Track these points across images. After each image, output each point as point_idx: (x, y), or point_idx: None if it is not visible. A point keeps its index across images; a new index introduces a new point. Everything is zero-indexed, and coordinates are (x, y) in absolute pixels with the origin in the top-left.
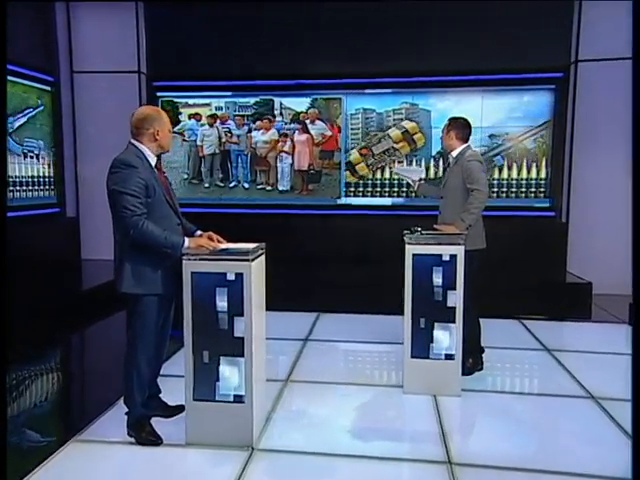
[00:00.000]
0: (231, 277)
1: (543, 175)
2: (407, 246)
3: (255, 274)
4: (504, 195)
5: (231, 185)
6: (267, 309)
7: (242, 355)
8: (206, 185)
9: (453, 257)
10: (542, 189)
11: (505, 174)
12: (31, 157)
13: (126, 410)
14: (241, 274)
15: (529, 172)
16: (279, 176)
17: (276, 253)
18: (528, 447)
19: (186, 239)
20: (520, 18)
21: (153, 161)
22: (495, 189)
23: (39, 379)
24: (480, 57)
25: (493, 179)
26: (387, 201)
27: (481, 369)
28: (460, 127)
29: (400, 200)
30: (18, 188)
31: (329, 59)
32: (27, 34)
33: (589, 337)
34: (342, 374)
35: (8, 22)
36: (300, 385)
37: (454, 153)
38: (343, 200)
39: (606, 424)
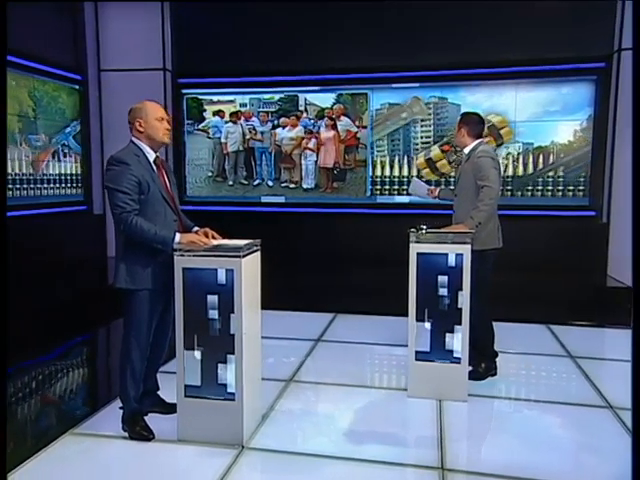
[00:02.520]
0: (222, 273)
1: (582, 172)
2: (411, 245)
3: (247, 271)
4: (539, 194)
5: (255, 183)
6: (284, 309)
7: (233, 352)
8: (230, 183)
9: (459, 256)
10: (581, 187)
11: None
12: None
13: (121, 405)
14: (232, 270)
15: (567, 169)
16: (303, 174)
17: (298, 251)
18: (530, 456)
19: (177, 234)
20: (557, 4)
21: (151, 157)
22: (530, 187)
23: (52, 372)
24: (514, 47)
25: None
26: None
27: (494, 374)
28: (472, 123)
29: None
30: (46, 185)
31: (354, 53)
32: (56, 34)
33: (621, 344)
34: (348, 375)
35: (39, 22)
36: (303, 385)
37: (466, 150)
38: (380, 199)
39: (619, 435)
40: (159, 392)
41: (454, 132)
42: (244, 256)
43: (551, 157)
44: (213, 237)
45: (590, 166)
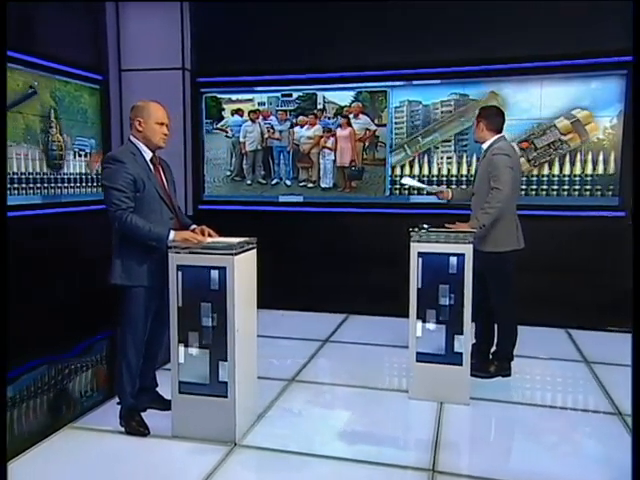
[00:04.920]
0: (215, 271)
1: (612, 170)
2: (412, 244)
3: (240, 268)
4: (565, 193)
5: (273, 182)
6: (298, 309)
7: (226, 350)
8: (248, 182)
9: (461, 256)
10: (611, 186)
11: (567, 169)
12: (79, 155)
13: (118, 400)
14: (224, 268)
15: (595, 167)
16: (321, 173)
17: (316, 251)
18: (527, 461)
19: (172, 232)
20: None
21: (148, 156)
22: (556, 186)
23: (63, 368)
24: (539, 41)
25: (563, 175)
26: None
27: (508, 375)
28: (490, 117)
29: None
30: (66, 185)
31: (373, 50)
32: (78, 34)
33: None
34: (350, 376)
35: (60, 23)
36: (304, 385)
37: (485, 146)
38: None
39: (623, 442)
40: (158, 389)
41: (473, 127)
42: (237, 254)
43: (579, 155)
44: (209, 235)
45: (620, 164)
